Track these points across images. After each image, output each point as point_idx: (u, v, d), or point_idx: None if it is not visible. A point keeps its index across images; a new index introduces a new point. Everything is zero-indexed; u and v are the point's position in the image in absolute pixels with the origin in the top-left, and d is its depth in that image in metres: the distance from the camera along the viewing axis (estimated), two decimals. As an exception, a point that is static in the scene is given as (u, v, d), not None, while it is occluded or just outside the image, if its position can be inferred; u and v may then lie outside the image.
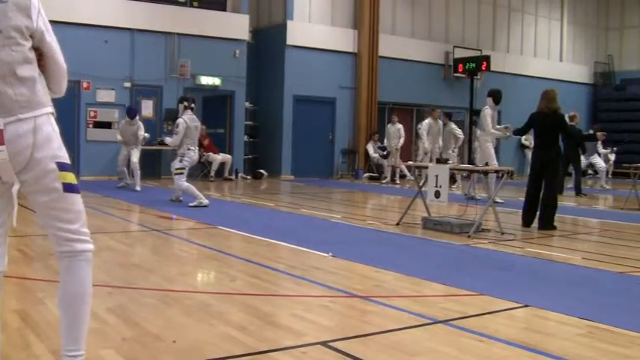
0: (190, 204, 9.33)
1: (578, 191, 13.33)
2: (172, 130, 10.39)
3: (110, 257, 5.68)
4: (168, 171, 13.32)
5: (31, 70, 2.32)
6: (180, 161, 9.51)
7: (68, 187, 2.36)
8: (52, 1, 13.22)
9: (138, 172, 12.02)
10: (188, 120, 9.53)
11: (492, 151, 11.05)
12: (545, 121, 8.04)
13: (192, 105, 9.83)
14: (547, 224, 7.90)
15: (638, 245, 7.17)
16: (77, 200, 2.41)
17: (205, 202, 9.38)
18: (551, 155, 7.98)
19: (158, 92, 15.49)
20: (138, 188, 11.93)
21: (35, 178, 2.30)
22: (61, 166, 2.34)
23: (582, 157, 15.02)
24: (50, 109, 2.37)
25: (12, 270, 4.24)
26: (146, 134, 12.34)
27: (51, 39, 2.38)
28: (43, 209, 2.36)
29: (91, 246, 2.46)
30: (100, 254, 5.76)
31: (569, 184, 13.90)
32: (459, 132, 15.06)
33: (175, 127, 9.61)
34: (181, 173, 9.43)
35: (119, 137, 12.31)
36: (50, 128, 2.34)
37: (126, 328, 3.43)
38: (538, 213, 8.05)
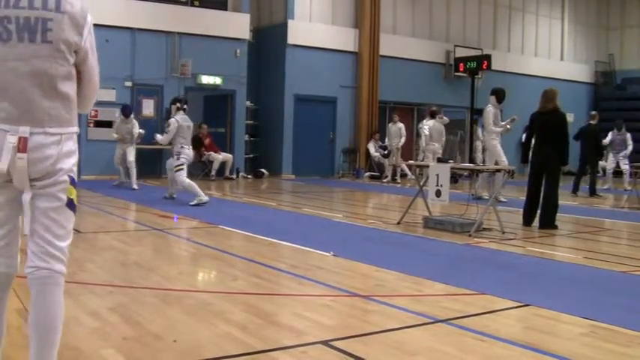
0: (191, 203, 9.35)
1: (593, 192, 13.19)
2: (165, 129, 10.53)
3: (111, 256, 5.68)
4: (169, 170, 13.24)
5: (70, 87, 2.32)
6: (178, 159, 9.64)
7: (70, 203, 2.34)
8: (52, 0, 13.20)
9: (134, 171, 12.19)
10: (180, 120, 9.75)
11: (500, 148, 10.92)
12: (544, 120, 8.03)
13: (185, 106, 10.05)
14: (548, 223, 7.89)
15: (639, 244, 7.17)
16: (72, 220, 2.37)
17: (205, 198, 9.44)
18: (551, 154, 7.95)
19: (159, 91, 15.49)
20: (135, 187, 12.01)
21: (46, 185, 2.28)
22: (72, 181, 2.35)
23: None
24: (76, 128, 2.38)
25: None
26: (141, 130, 12.50)
27: (93, 59, 2.39)
28: (40, 216, 2.29)
29: (65, 270, 2.36)
30: (101, 253, 5.77)
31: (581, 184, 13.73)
32: (424, 129, 14.69)
33: (167, 127, 9.90)
34: (182, 169, 9.57)
35: (115, 135, 12.40)
36: (72, 145, 2.35)
37: (127, 328, 3.43)
38: (539, 212, 8.04)
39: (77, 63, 2.34)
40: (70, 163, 2.33)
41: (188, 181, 9.55)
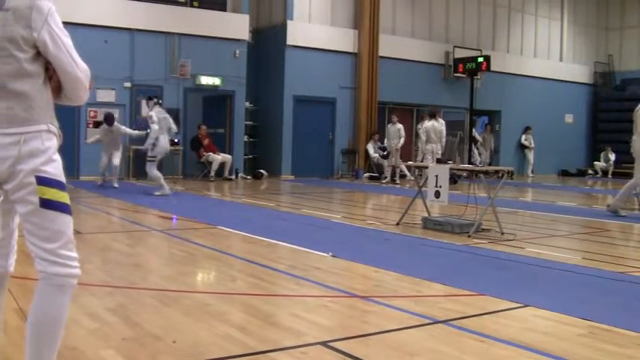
0: (155, 192, 10.19)
1: None
2: (147, 123, 11.28)
3: (110, 257, 5.69)
4: (168, 171, 13.31)
5: (27, 85, 2.20)
6: (152, 150, 10.38)
7: (46, 203, 2.21)
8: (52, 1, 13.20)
9: (117, 170, 12.49)
10: (157, 112, 10.76)
11: None
12: None
13: (160, 101, 11.37)
14: None
15: (638, 245, 7.17)
16: (57, 219, 2.24)
17: (168, 192, 10.34)
18: None
19: (158, 92, 15.46)
20: (116, 185, 12.23)
21: (14, 190, 2.21)
22: (42, 181, 2.21)
23: None
24: (44, 126, 2.23)
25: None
26: (134, 131, 12.70)
27: (57, 50, 2.24)
28: (22, 222, 2.26)
29: (70, 270, 2.29)
30: (100, 254, 5.77)
31: None
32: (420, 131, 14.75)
33: (149, 119, 10.81)
34: (153, 161, 10.26)
35: (97, 136, 12.53)
36: (38, 143, 2.20)
37: (126, 328, 3.43)
38: None
39: (44, 56, 2.25)
40: (36, 162, 2.20)
41: (156, 173, 10.40)
